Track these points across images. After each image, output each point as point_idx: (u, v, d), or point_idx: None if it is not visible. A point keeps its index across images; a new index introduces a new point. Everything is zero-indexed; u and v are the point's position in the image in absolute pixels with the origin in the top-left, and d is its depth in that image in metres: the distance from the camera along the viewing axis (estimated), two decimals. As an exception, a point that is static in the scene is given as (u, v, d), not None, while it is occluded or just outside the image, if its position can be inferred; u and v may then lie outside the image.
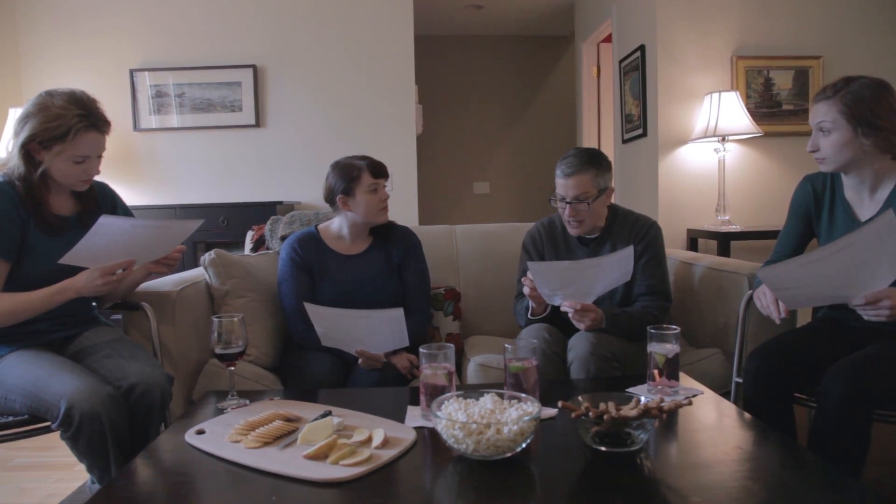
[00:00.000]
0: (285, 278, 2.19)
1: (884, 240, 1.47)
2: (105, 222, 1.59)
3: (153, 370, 1.71)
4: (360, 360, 1.99)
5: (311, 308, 1.90)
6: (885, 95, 1.70)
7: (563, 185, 2.04)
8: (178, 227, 1.79)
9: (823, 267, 1.53)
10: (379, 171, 2.17)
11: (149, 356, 1.80)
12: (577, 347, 1.88)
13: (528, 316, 2.10)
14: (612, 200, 2.22)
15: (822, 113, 1.74)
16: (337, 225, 2.25)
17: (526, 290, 1.96)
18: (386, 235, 2.27)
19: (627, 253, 1.84)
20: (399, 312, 1.86)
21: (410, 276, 2.26)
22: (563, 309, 1.89)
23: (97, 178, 1.91)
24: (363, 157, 2.18)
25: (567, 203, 2.04)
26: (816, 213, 1.89)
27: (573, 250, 2.17)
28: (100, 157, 1.78)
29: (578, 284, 1.84)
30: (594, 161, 2.04)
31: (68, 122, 1.66)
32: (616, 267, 1.84)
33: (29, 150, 1.69)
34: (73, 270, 1.68)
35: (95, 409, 1.54)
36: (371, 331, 1.90)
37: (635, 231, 2.11)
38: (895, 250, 1.48)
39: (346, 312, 1.90)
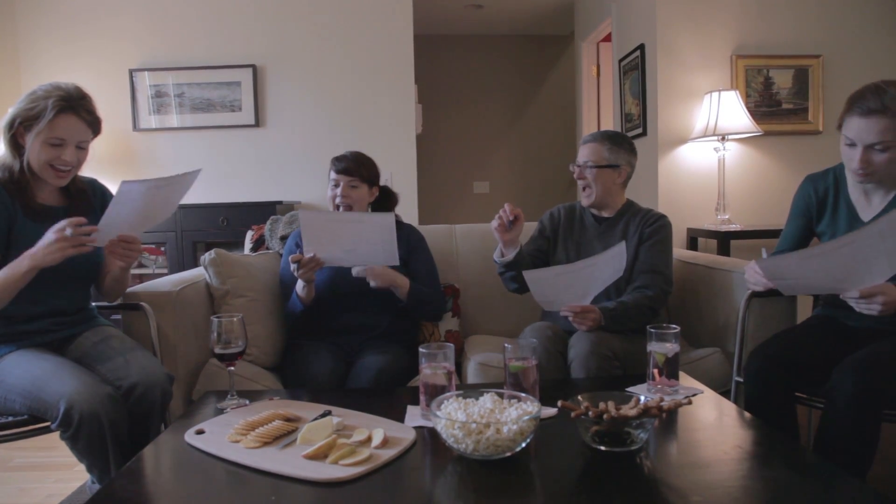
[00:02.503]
0: (285, 269, 2.27)
1: (885, 238, 1.48)
2: (125, 189, 1.58)
3: (153, 369, 1.71)
4: (354, 271, 2.04)
5: (304, 216, 1.92)
6: None
7: (579, 152, 2.20)
8: (185, 180, 1.76)
9: (824, 262, 1.55)
10: (339, 165, 2.19)
11: (149, 355, 1.79)
12: (578, 346, 1.88)
13: (496, 259, 2.12)
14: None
15: (878, 131, 1.61)
16: None
17: (494, 223, 2.02)
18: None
19: (620, 249, 1.85)
20: (390, 219, 1.93)
21: (419, 265, 2.28)
22: (562, 314, 1.89)
23: (87, 174, 1.91)
24: (341, 157, 2.22)
25: (577, 166, 2.16)
26: (818, 213, 1.89)
27: (587, 227, 2.23)
28: (82, 149, 1.76)
29: (576, 287, 1.84)
30: (612, 137, 2.16)
31: (48, 102, 1.67)
32: (610, 264, 1.85)
33: (15, 134, 1.71)
34: (62, 263, 1.68)
35: (95, 409, 1.54)
36: (362, 239, 1.95)
37: (648, 218, 2.16)
38: (895, 248, 1.49)
39: (339, 216, 1.98)
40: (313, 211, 1.90)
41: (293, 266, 2.01)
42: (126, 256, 1.74)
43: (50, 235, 1.60)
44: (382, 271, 2.08)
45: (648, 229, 2.12)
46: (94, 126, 1.77)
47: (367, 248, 1.96)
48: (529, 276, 1.83)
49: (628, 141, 2.18)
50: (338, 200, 2.18)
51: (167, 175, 1.68)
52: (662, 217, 2.18)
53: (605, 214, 2.22)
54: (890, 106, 1.60)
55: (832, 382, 1.58)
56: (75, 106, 1.70)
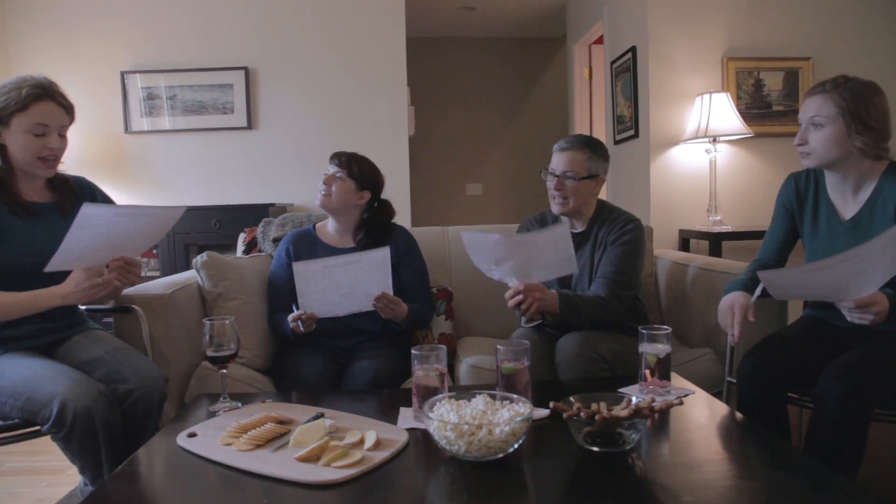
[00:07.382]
0: (274, 272, 2.29)
1: (886, 251, 1.48)
2: (87, 212, 1.51)
3: (150, 373, 1.71)
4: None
5: (298, 268, 1.96)
6: (879, 97, 1.71)
7: (556, 159, 2.09)
8: (164, 214, 1.70)
9: (825, 274, 1.54)
10: (332, 156, 2.24)
11: (144, 358, 1.79)
12: (565, 349, 1.88)
13: (523, 324, 2.10)
14: (605, 199, 2.22)
15: (815, 107, 1.72)
16: (331, 222, 2.29)
17: (511, 304, 1.87)
18: (383, 235, 2.26)
19: (562, 230, 1.77)
20: (386, 252, 1.98)
21: (410, 274, 2.25)
22: (508, 283, 1.86)
23: (74, 172, 1.91)
24: (339, 152, 2.25)
25: (555, 176, 2.07)
26: (800, 210, 1.90)
27: None
28: (62, 136, 1.75)
29: (514, 262, 1.80)
30: (591, 144, 2.09)
31: (21, 91, 1.67)
32: (552, 246, 1.77)
33: None
34: (39, 268, 1.66)
35: (88, 407, 1.54)
36: (359, 279, 1.99)
37: (617, 225, 2.10)
38: (892, 260, 1.49)
39: (334, 261, 1.98)
40: (307, 262, 1.94)
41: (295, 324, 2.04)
42: (126, 279, 1.71)
43: (80, 275, 1.63)
44: (395, 308, 2.07)
45: (613, 235, 2.06)
46: (70, 111, 1.77)
47: (363, 287, 2.00)
48: (468, 237, 1.84)
49: (604, 147, 2.12)
50: (321, 189, 2.19)
51: (143, 204, 1.67)
52: (632, 221, 2.11)
53: (577, 228, 2.15)
54: (830, 89, 1.71)
55: (820, 386, 1.59)
56: (49, 92, 1.71)
